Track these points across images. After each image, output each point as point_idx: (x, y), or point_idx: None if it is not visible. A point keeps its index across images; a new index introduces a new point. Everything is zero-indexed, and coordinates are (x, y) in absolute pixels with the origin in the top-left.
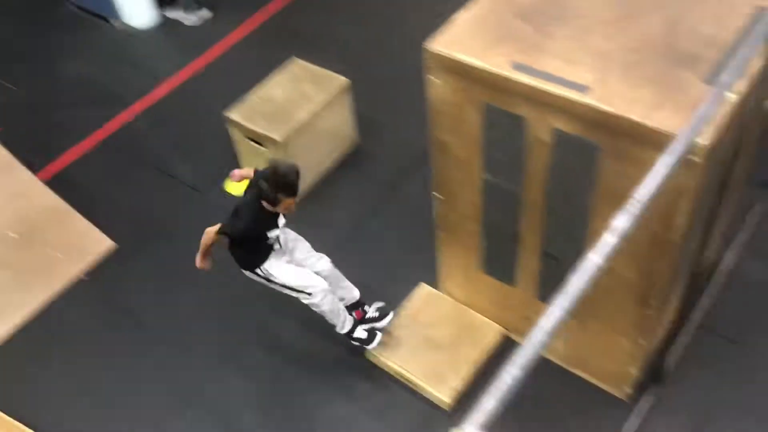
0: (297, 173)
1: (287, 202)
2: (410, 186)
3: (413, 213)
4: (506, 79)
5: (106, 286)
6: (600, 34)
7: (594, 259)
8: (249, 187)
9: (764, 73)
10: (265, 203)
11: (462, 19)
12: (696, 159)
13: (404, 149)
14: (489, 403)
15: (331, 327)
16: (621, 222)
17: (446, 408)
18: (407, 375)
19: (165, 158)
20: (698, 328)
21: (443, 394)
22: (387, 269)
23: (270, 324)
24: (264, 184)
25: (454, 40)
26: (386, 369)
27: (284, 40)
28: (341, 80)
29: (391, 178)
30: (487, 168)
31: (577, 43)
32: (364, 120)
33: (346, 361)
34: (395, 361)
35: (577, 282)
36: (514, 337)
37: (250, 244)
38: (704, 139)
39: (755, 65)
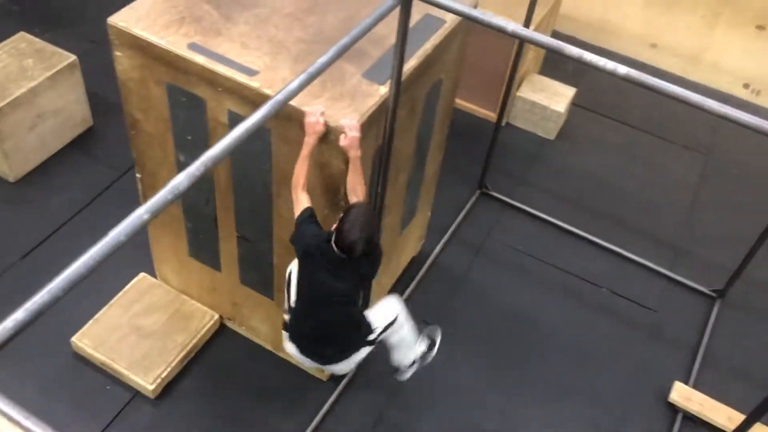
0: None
1: None
2: None
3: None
4: (182, 59)
5: None
6: (279, 24)
7: (140, 212)
8: None
9: (419, 72)
10: None
11: None
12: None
13: None
14: None
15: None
16: (178, 180)
17: (151, 395)
18: (112, 364)
19: None
20: None
21: (148, 381)
22: (107, 258)
23: None
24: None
25: (139, 17)
26: (91, 359)
27: (22, 15)
28: (68, 57)
29: (123, 161)
30: (178, 147)
31: (257, 30)
32: (99, 101)
33: (48, 350)
34: (101, 351)
35: (117, 232)
36: (228, 323)
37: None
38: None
39: (411, 64)
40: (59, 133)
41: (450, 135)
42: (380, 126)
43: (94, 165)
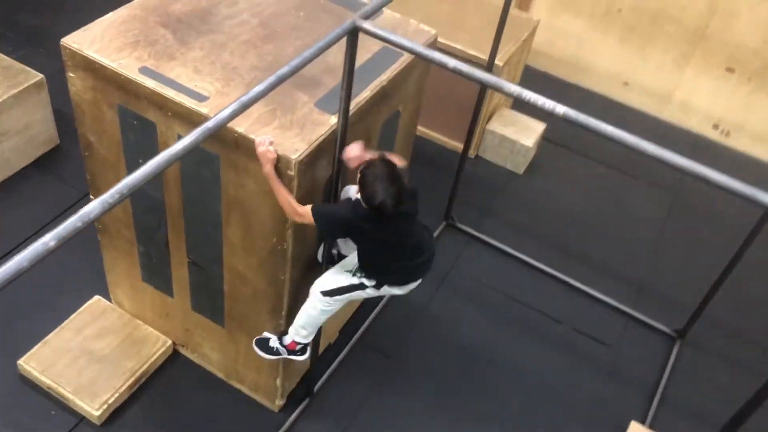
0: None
1: None
2: None
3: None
4: (133, 82)
5: None
6: (235, 51)
7: (46, 239)
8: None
9: (374, 103)
10: None
11: (108, 19)
12: (290, 172)
13: None
14: None
15: None
16: (90, 208)
17: (96, 422)
18: (58, 389)
19: None
20: (356, 343)
21: (93, 407)
22: (64, 280)
23: None
24: None
25: (94, 39)
26: (38, 383)
27: None
28: (36, 76)
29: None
30: (129, 170)
31: (211, 56)
32: (68, 121)
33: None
34: (48, 374)
35: (20, 258)
36: (181, 350)
37: None
38: (297, 155)
39: (364, 95)
40: (23, 151)
41: (418, 165)
42: (331, 155)
43: (58, 184)
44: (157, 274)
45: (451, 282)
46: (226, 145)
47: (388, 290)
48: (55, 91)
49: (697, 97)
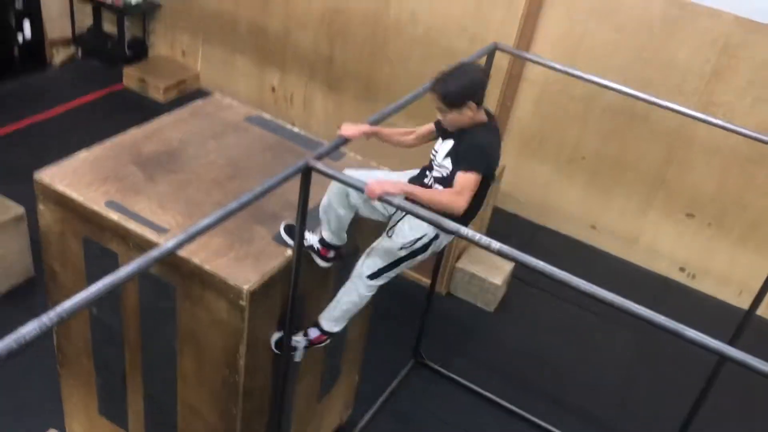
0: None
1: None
2: None
3: None
4: (98, 214)
5: None
6: (200, 187)
7: None
8: None
9: None
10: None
11: (82, 156)
12: (242, 302)
13: None
14: None
15: None
16: (26, 330)
17: None
18: None
19: None
20: None
21: None
22: (21, 412)
23: None
24: None
25: (65, 174)
26: None
27: None
28: (17, 209)
29: None
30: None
31: (177, 192)
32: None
33: None
34: None
35: None
36: None
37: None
38: (249, 285)
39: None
40: None
41: (387, 301)
42: (285, 287)
43: (26, 316)
44: (113, 406)
45: (418, 423)
46: (183, 276)
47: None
48: (33, 224)
49: (661, 241)
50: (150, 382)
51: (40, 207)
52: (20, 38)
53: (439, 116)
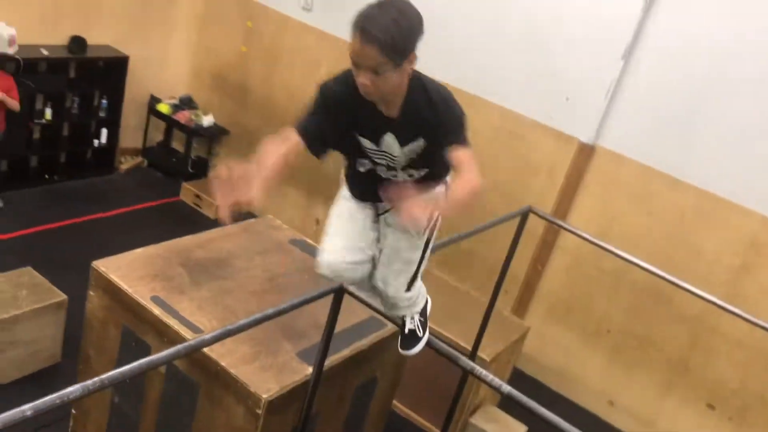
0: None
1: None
2: None
3: None
4: (142, 306)
5: None
6: (239, 297)
7: (24, 408)
8: None
9: (350, 363)
10: None
11: (137, 253)
12: (258, 411)
13: None
14: None
15: None
16: (72, 389)
17: None
18: None
19: None
20: None
21: None
22: None
23: None
24: None
25: (119, 266)
26: None
27: (32, 253)
28: (60, 296)
29: None
30: (115, 388)
31: (216, 297)
32: (75, 342)
33: None
34: None
35: None
36: None
37: None
38: (268, 395)
39: (342, 354)
40: (23, 362)
41: None
42: (301, 403)
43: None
44: None
45: None
46: (209, 375)
47: None
48: (72, 312)
49: (679, 428)
50: None
51: (91, 293)
52: (96, 143)
53: (364, 84)
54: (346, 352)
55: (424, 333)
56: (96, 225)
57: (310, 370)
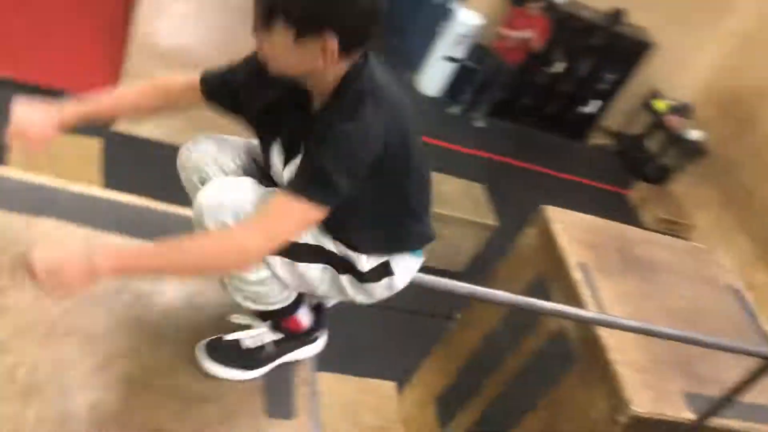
0: None
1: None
2: None
3: None
4: (567, 265)
5: None
6: (655, 306)
7: None
8: None
9: None
10: None
11: (585, 217)
12: (618, 417)
13: None
14: None
15: None
16: None
17: None
18: None
19: None
20: None
21: None
22: None
23: None
24: None
25: (563, 219)
26: None
27: None
28: (492, 220)
29: None
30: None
31: (636, 296)
32: (481, 263)
33: None
34: None
35: None
36: None
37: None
38: (637, 409)
39: (731, 425)
40: (437, 259)
41: None
42: None
43: None
44: None
45: None
46: (590, 359)
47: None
48: (491, 237)
49: None
50: None
51: (529, 230)
52: (581, 109)
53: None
54: (734, 424)
55: (257, 364)
56: (542, 178)
57: (689, 415)
